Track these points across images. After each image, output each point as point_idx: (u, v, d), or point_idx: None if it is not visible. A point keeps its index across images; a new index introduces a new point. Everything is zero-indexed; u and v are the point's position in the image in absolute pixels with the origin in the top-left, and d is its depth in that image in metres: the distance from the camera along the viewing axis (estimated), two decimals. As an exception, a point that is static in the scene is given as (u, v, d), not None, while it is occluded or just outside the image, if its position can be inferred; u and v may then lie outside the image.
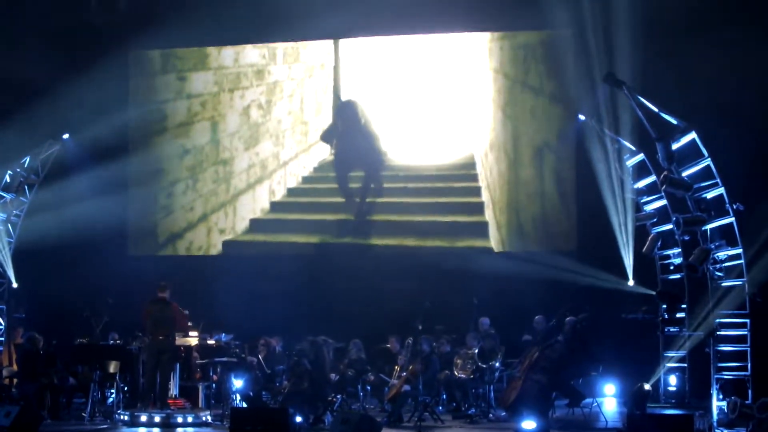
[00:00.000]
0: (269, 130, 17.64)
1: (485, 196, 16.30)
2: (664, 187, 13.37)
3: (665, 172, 13.04)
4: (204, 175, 17.74)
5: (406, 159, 16.83)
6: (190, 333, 14.22)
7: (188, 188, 17.73)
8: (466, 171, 16.38)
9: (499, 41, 16.33)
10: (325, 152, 17.41)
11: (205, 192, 17.68)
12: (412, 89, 16.94)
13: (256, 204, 17.59)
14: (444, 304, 14.46)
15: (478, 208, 16.22)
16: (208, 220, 17.55)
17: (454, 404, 14.16)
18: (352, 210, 17.00)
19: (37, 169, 17.20)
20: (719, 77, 14.36)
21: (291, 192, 17.64)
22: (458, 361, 13.95)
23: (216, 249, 17.31)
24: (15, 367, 14.94)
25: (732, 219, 12.87)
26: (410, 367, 13.38)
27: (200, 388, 14.11)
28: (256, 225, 17.52)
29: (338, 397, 13.57)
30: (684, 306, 14.36)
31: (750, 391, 12.49)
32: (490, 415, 13.36)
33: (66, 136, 17.23)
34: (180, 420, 12.60)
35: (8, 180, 16.84)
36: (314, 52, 17.44)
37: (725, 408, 12.02)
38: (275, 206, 17.60)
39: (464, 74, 16.45)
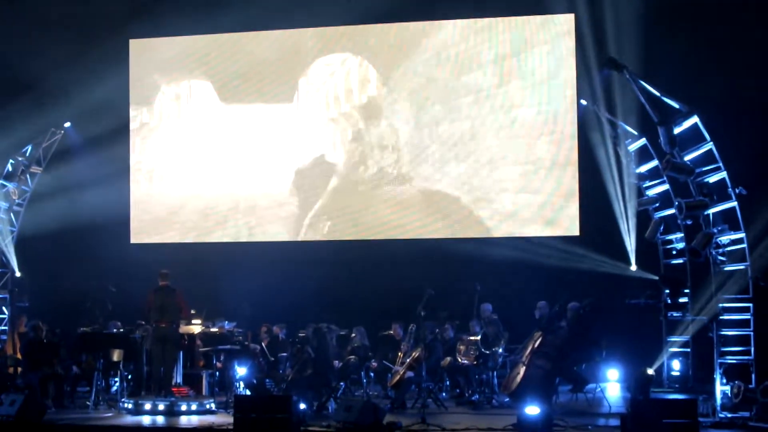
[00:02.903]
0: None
1: (486, 180, 16.22)
2: (666, 171, 13.34)
3: (667, 157, 13.01)
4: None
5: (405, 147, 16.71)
6: (193, 321, 14.26)
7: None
8: (468, 156, 16.29)
9: (498, 25, 16.22)
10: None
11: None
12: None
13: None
14: (447, 290, 14.42)
15: (481, 194, 16.16)
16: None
17: (458, 390, 14.18)
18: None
19: (38, 158, 17.21)
20: (721, 60, 14.31)
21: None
22: (461, 347, 13.91)
23: (219, 236, 17.22)
24: (19, 356, 14.98)
25: (734, 203, 12.83)
26: (413, 354, 13.38)
27: (204, 375, 14.16)
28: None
29: (342, 383, 13.62)
30: (687, 291, 14.37)
31: (753, 375, 12.45)
32: (494, 401, 13.38)
33: (67, 124, 17.24)
34: (184, 408, 12.61)
35: (10, 169, 16.85)
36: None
37: (728, 392, 12.04)
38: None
39: (461, 58, 16.32)
